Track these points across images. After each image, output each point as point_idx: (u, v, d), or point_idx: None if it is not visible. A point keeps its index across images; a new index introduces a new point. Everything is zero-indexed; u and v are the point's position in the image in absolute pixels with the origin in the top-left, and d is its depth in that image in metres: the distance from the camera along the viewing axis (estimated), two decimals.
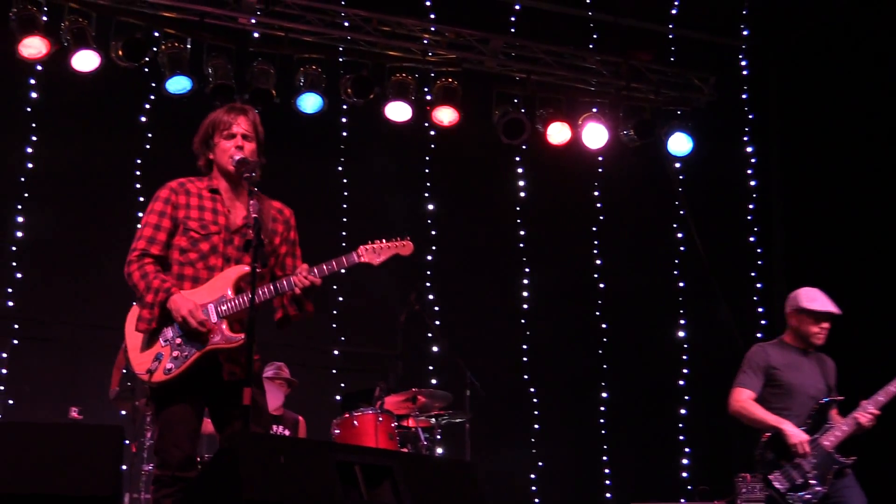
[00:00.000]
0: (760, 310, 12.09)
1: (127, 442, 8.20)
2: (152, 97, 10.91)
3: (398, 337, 9.69)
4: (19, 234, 10.47)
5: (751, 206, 12.32)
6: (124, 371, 7.67)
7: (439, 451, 9.63)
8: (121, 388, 7.77)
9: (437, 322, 11.31)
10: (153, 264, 5.36)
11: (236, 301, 5.26)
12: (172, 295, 5.25)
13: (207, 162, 5.60)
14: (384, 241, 5.58)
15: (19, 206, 10.52)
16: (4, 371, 10.26)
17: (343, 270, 5.47)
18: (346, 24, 10.86)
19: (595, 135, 11.34)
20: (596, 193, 12.48)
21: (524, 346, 11.96)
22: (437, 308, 11.65)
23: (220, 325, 5.27)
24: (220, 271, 5.37)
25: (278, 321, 5.57)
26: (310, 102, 10.61)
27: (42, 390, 10.03)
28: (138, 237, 5.42)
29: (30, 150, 10.61)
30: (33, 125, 10.65)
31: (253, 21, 10.59)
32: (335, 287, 11.09)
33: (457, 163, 11.92)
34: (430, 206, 11.93)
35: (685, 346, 12.22)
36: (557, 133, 11.26)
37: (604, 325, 12.25)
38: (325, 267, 5.40)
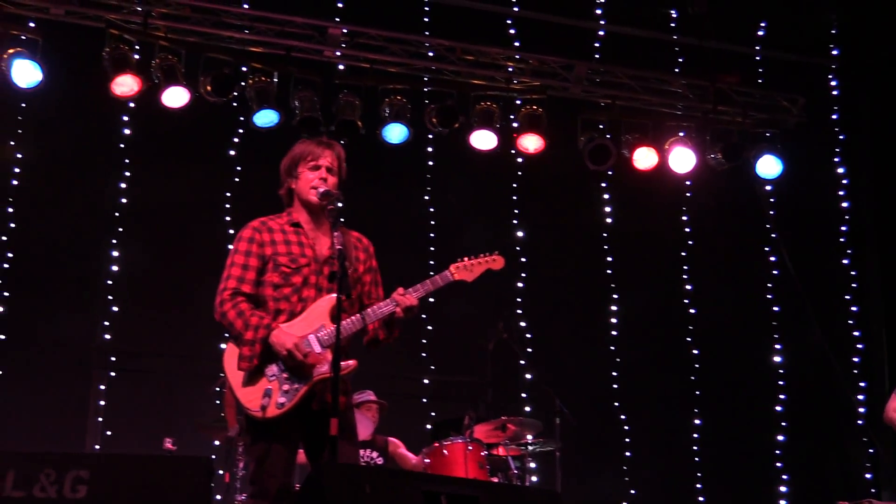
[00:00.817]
0: (856, 333, 11.87)
1: (220, 472, 8.29)
2: (241, 131, 11.07)
3: (487, 365, 9.68)
4: (114, 268, 10.69)
5: (843, 228, 12.13)
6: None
7: (534, 479, 9.59)
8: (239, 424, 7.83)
9: (527, 349, 11.28)
10: (246, 302, 5.41)
11: (333, 331, 5.25)
12: (273, 330, 5.30)
13: (288, 191, 5.68)
14: (473, 257, 5.59)
15: (114, 241, 10.75)
16: (102, 403, 10.46)
17: (433, 290, 5.48)
18: (431, 53, 10.93)
19: (682, 159, 11.23)
20: (684, 218, 12.37)
21: (614, 373, 11.86)
22: (526, 335, 11.62)
23: (325, 355, 5.30)
24: (312, 302, 5.43)
25: (367, 343, 5.61)
26: (395, 133, 10.66)
27: (138, 421, 10.21)
28: (226, 277, 5.47)
29: (123, 185, 10.85)
30: (126, 161, 10.88)
31: (338, 53, 10.72)
32: (424, 316, 11.11)
33: (543, 190, 11.90)
34: (519, 234, 11.92)
35: (781, 371, 12.01)
36: (644, 158, 11.16)
37: (695, 351, 12.10)
38: (420, 288, 5.45)
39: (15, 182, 10.61)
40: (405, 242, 11.14)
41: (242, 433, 7.76)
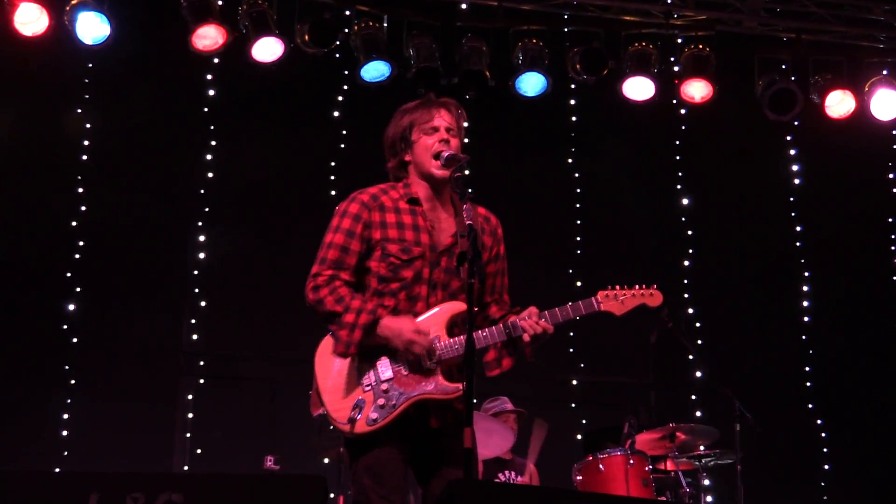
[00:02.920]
0: None
1: (332, 495, 8.44)
2: (345, 87, 11.22)
3: (649, 362, 9.67)
4: (201, 255, 10.91)
5: None
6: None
7: (709, 499, 9.57)
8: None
9: (698, 342, 11.25)
10: (346, 287, 5.37)
11: (451, 344, 5.28)
12: (381, 319, 5.26)
13: (401, 163, 5.60)
14: (626, 288, 5.61)
15: (200, 223, 10.96)
16: (191, 415, 10.69)
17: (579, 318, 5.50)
18: None
19: (886, 103, 11.06)
20: (890, 176, 12.19)
21: (807, 368, 11.78)
22: (697, 325, 11.58)
23: (435, 371, 5.30)
24: (423, 300, 5.39)
25: (488, 363, 5.55)
26: (531, 83, 10.66)
27: (233, 436, 10.42)
28: (321, 259, 5.41)
29: (209, 157, 11.06)
30: (212, 128, 11.08)
31: None
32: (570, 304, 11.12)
33: (713, 147, 11.84)
34: (684, 201, 11.88)
35: None
36: (838, 104, 11.04)
37: None
38: (558, 313, 5.41)
39: (84, 157, 10.87)
40: (546, 216, 11.14)
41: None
